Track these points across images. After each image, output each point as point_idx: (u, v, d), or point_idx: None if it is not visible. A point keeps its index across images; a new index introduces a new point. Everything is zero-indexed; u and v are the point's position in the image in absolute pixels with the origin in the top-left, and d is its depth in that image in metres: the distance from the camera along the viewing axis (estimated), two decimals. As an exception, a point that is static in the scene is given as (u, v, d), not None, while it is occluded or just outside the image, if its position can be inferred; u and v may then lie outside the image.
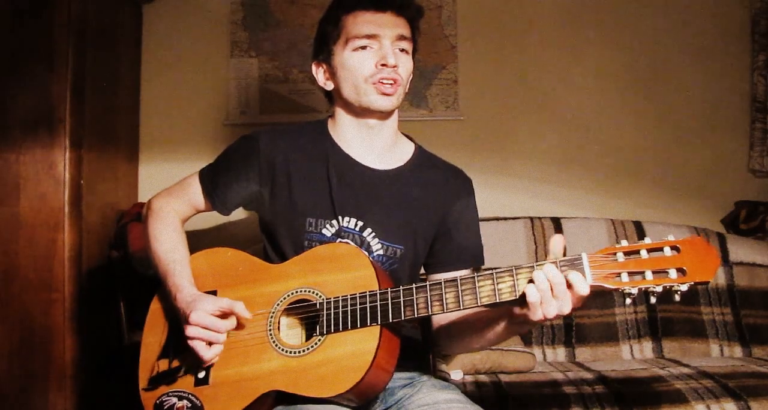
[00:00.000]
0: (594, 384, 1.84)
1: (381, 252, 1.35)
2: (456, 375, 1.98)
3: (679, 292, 1.01)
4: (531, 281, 1.07)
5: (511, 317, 1.14)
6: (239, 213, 1.49)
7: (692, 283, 1.00)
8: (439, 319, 1.37)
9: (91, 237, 2.13)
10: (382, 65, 1.30)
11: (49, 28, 2.01)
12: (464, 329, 1.31)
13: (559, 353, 2.29)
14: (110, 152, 2.36)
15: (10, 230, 1.98)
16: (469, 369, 2.03)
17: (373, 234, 1.34)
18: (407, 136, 1.49)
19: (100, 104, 2.25)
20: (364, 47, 1.32)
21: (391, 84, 1.31)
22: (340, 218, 1.34)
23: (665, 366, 2.04)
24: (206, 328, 1.19)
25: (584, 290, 1.04)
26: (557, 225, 2.41)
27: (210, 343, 1.20)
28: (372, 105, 1.33)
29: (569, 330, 2.31)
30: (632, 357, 2.28)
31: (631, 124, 2.67)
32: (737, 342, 2.29)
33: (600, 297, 2.33)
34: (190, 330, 1.20)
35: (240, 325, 1.24)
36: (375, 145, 1.40)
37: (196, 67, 2.67)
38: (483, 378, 2.00)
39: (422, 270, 1.47)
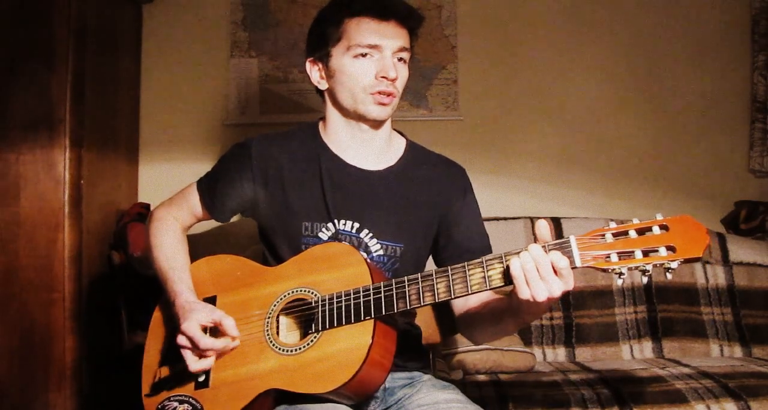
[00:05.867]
0: (594, 384, 1.85)
1: (381, 252, 1.35)
2: (456, 375, 1.98)
3: (670, 270, 1.01)
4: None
5: (512, 307, 1.14)
6: (239, 216, 1.49)
7: (682, 260, 1.00)
8: (459, 312, 1.38)
9: (91, 237, 2.13)
10: (382, 77, 1.30)
11: (49, 28, 2.01)
12: (479, 321, 1.32)
13: (559, 353, 2.29)
14: (110, 152, 2.36)
15: (10, 230, 1.98)
16: (469, 369, 2.03)
17: (371, 234, 1.34)
18: (398, 132, 1.48)
19: (100, 104, 2.25)
20: (364, 55, 1.32)
21: (387, 97, 1.32)
22: (335, 221, 1.34)
23: (665, 366, 2.04)
24: (191, 340, 1.20)
25: (563, 263, 1.03)
26: (557, 225, 2.41)
27: (200, 355, 1.21)
28: (368, 114, 1.33)
29: (569, 330, 2.31)
30: (632, 357, 2.28)
31: (631, 124, 2.67)
32: (737, 342, 2.30)
33: (600, 297, 2.34)
34: (178, 339, 1.21)
35: (222, 353, 1.24)
36: (367, 147, 1.40)
37: (196, 67, 2.67)
38: (483, 378, 2.00)
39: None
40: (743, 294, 2.36)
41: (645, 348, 2.29)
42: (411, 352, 1.38)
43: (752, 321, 2.33)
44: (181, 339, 1.21)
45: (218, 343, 1.22)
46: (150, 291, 1.40)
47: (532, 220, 2.43)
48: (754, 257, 2.41)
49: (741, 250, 2.42)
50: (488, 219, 2.42)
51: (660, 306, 2.33)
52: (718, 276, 2.38)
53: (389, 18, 1.32)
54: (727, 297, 2.36)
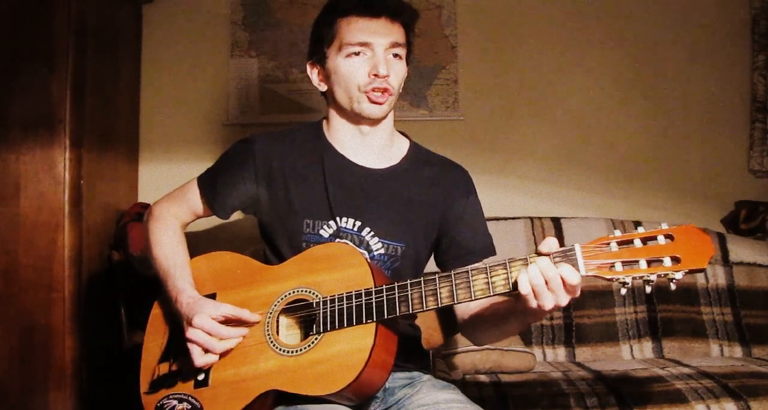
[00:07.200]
0: (594, 384, 1.85)
1: (382, 251, 1.35)
2: (456, 375, 1.98)
3: (674, 280, 1.01)
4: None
5: (517, 309, 1.14)
6: (239, 214, 1.49)
7: (686, 271, 1.00)
8: (461, 314, 1.38)
9: (91, 237, 2.13)
10: (374, 75, 1.30)
11: (49, 28, 2.01)
12: (481, 323, 1.32)
13: (559, 353, 2.29)
14: (110, 152, 2.36)
15: (10, 230, 1.98)
16: (469, 369, 2.03)
17: (372, 233, 1.34)
18: (402, 133, 1.49)
19: (100, 104, 2.25)
20: (357, 53, 1.32)
21: (381, 93, 1.31)
22: (337, 219, 1.34)
23: (665, 366, 2.04)
24: (209, 333, 1.20)
25: (575, 280, 1.04)
26: (557, 225, 2.41)
27: (206, 350, 1.21)
28: (363, 112, 1.34)
29: (569, 330, 2.31)
30: (632, 357, 2.28)
31: (631, 124, 2.67)
32: (737, 342, 2.29)
33: (600, 297, 2.33)
34: (191, 333, 1.20)
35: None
36: (370, 146, 1.40)
37: (196, 67, 2.67)
38: (483, 378, 2.00)
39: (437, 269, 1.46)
40: (743, 294, 2.36)
41: (645, 348, 2.29)
42: (411, 352, 1.38)
43: (752, 321, 2.32)
44: (194, 334, 1.20)
45: (236, 332, 1.22)
46: (150, 290, 1.40)
47: (532, 220, 2.43)
48: (754, 257, 2.41)
49: (741, 250, 2.42)
50: (488, 219, 2.38)
51: (660, 306, 2.32)
52: (718, 276, 2.38)
53: (379, 15, 1.32)
54: (727, 297, 2.36)
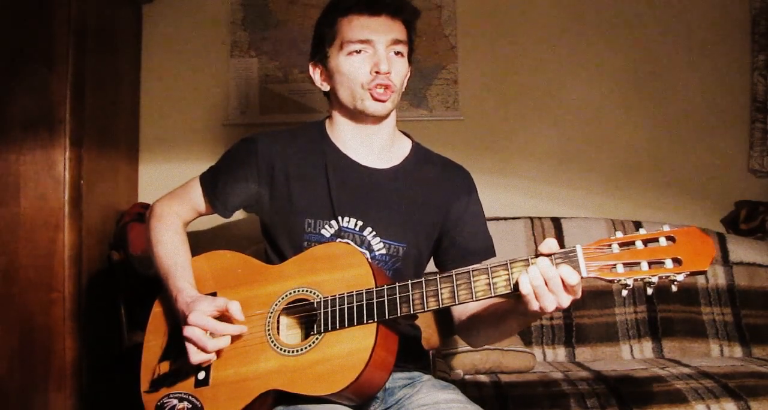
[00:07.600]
0: (594, 384, 1.85)
1: (383, 251, 1.35)
2: (456, 375, 1.98)
3: (675, 282, 1.01)
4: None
5: (517, 310, 1.14)
6: (240, 214, 1.49)
7: (688, 273, 1.00)
8: (458, 316, 1.38)
9: (91, 237, 2.13)
10: (376, 72, 1.31)
11: (49, 28, 2.01)
12: (479, 324, 1.32)
13: (559, 353, 2.29)
14: (110, 152, 2.36)
15: (10, 230, 1.98)
16: (469, 369, 2.03)
17: (374, 233, 1.34)
18: (404, 133, 1.49)
19: (100, 104, 2.25)
20: (358, 51, 1.32)
21: (383, 90, 1.32)
22: (339, 218, 1.34)
23: (665, 366, 2.04)
24: (204, 330, 1.20)
25: (574, 280, 1.04)
26: (557, 225, 2.41)
27: (200, 348, 1.21)
28: (366, 110, 1.34)
29: (569, 330, 2.31)
30: (632, 357, 2.28)
31: (631, 124, 2.67)
32: (737, 342, 2.29)
33: (600, 297, 2.33)
34: (187, 331, 1.20)
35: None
36: (372, 145, 1.40)
37: (196, 67, 2.67)
38: (483, 378, 2.00)
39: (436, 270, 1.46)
40: (743, 294, 2.36)
41: (645, 348, 2.29)
42: (411, 353, 1.38)
43: (752, 321, 2.32)
44: (189, 331, 1.20)
45: (231, 328, 1.22)
46: (150, 290, 1.40)
47: (532, 220, 2.43)
48: (754, 257, 2.41)
49: (741, 250, 2.42)
50: (488, 219, 2.39)
51: (660, 306, 2.33)
52: (718, 276, 2.38)
53: (380, 12, 1.33)
54: (727, 297, 2.36)
